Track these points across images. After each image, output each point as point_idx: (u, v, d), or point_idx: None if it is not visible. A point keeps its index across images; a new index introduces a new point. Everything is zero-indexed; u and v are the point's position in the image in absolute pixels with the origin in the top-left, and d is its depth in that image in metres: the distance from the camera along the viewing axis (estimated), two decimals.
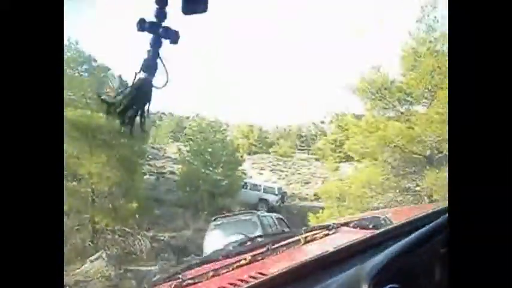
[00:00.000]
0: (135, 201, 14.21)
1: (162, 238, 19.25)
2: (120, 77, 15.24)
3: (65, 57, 14.54)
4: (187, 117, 74.87)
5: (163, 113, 79.65)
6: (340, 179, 35.32)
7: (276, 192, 26.44)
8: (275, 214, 14.07)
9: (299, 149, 54.56)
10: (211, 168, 24.00)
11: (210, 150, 23.96)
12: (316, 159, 44.11)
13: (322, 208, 15.35)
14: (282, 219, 13.21)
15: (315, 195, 28.27)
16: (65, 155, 14.01)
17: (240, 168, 25.51)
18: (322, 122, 77.91)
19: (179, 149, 25.53)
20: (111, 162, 13.84)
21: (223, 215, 13.34)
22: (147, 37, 1.39)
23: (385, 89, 13.48)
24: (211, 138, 24.38)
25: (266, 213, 13.34)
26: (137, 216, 14.94)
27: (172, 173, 31.51)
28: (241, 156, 26.09)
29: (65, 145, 13.90)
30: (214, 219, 12.39)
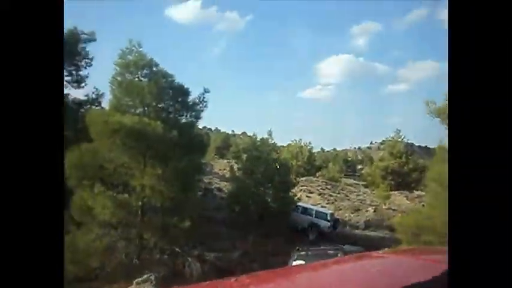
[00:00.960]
0: (187, 219, 12.76)
1: (207, 258, 18.04)
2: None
3: (125, 60, 13.46)
4: (234, 135, 74.47)
5: (209, 129, 79.26)
6: (391, 208, 33.62)
7: (328, 218, 24.86)
8: (357, 247, 13.04)
9: (346, 175, 52.63)
10: (262, 188, 22.52)
11: (262, 169, 22.43)
12: (365, 186, 42.21)
13: (395, 241, 13.30)
14: None
15: (387, 226, 26.67)
16: (116, 162, 12.85)
17: (292, 190, 23.91)
18: (369, 148, 75.83)
19: (231, 166, 24.08)
20: (166, 175, 12.47)
21: (306, 248, 12.53)
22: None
23: None
24: (265, 157, 22.87)
25: (351, 247, 12.50)
26: (189, 235, 13.53)
27: (219, 190, 30.38)
28: (295, 178, 24.39)
29: (117, 153, 12.78)
30: (298, 249, 11.78)
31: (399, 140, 40.19)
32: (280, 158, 24.87)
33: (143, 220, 13.01)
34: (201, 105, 13.96)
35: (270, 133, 23.72)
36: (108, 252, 12.38)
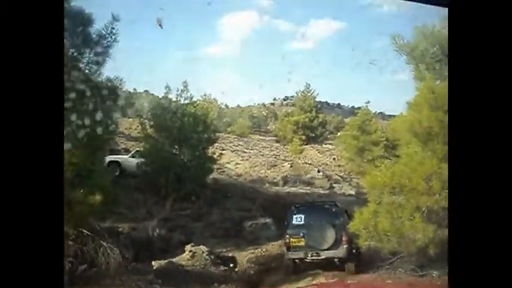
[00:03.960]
0: (98, 191, 9.15)
1: (120, 230, 14.71)
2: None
3: None
4: (136, 93, 68.37)
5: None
6: (306, 162, 32.13)
7: None
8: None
9: (253, 131, 50.69)
10: (177, 147, 19.21)
11: (178, 126, 19.05)
12: (276, 141, 40.60)
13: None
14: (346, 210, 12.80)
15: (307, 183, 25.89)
16: None
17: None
18: (272, 104, 74.42)
19: (142, 123, 20.19)
20: (67, 136, 8.62)
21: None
22: None
23: None
24: (181, 112, 19.40)
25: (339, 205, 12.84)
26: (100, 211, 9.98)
27: (126, 150, 26.39)
28: (214, 134, 21.21)
29: None
30: (295, 206, 12.45)
31: (309, 94, 38.85)
32: (196, 113, 21.42)
33: None
34: (109, 38, 9.77)
35: (185, 85, 20.24)
36: None
